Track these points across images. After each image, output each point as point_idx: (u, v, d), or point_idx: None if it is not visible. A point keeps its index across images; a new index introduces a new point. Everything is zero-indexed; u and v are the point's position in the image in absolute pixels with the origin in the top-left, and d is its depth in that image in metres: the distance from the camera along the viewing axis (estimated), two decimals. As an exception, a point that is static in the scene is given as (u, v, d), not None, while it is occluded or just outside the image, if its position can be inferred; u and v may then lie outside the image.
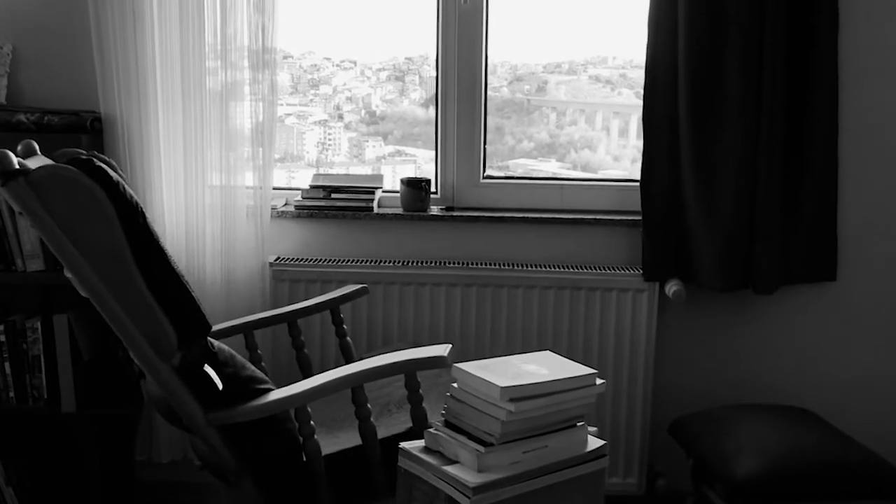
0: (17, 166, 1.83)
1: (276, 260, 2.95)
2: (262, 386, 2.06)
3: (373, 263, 2.93)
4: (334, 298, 2.67)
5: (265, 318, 2.61)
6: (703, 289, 2.89)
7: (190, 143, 2.81)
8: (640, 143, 2.88)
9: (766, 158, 2.77)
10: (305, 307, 2.64)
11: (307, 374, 2.55)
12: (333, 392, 2.04)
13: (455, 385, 1.87)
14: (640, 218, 2.90)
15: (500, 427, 1.77)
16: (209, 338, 2.04)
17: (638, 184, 2.89)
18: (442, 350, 2.06)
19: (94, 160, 1.93)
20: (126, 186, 1.95)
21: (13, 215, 2.72)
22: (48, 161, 1.97)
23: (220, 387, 1.99)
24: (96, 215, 1.88)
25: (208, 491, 3.05)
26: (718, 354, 3.04)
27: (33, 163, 1.90)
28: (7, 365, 2.78)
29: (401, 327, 2.92)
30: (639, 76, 2.87)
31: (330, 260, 2.96)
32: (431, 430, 1.89)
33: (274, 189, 2.93)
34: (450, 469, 1.79)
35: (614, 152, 3.27)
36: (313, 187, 3.01)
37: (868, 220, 2.95)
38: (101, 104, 2.78)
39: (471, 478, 1.75)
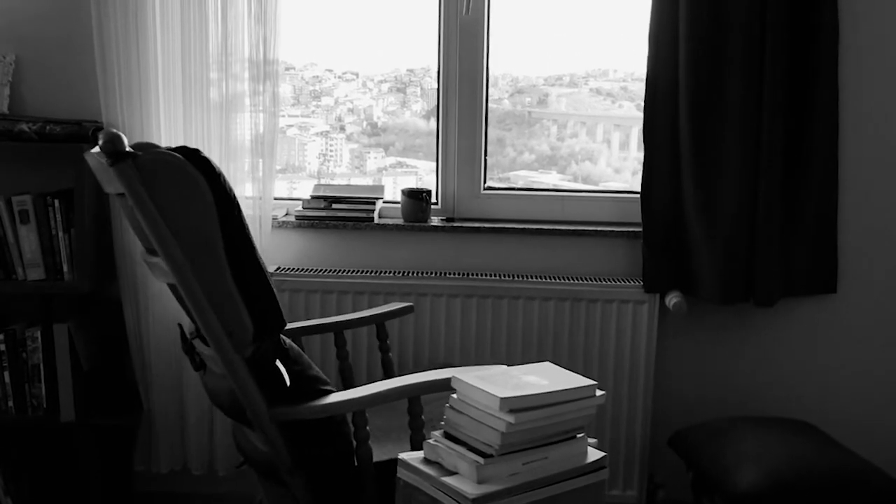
0: (129, 149, 1.88)
1: (276, 270, 2.95)
2: (326, 387, 2.09)
3: (373, 274, 2.94)
4: (382, 314, 2.70)
5: (313, 325, 2.65)
6: (704, 301, 2.89)
7: (191, 154, 2.81)
8: (641, 156, 2.89)
9: (766, 171, 2.77)
10: (353, 319, 2.68)
11: (348, 384, 2.58)
12: (394, 399, 2.08)
13: (454, 396, 1.87)
14: (640, 230, 2.90)
15: (500, 438, 1.77)
16: (281, 335, 2.07)
17: (638, 195, 2.89)
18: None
19: (200, 151, 1.98)
20: (227, 179, 1.99)
21: (14, 224, 2.72)
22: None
23: (288, 383, 2.01)
24: (196, 203, 1.92)
25: (207, 502, 3.05)
26: (719, 366, 3.03)
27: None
28: (6, 374, 2.78)
29: (401, 338, 2.92)
30: (639, 89, 2.88)
31: (330, 270, 2.96)
32: (430, 440, 1.88)
33: (275, 199, 2.94)
34: (449, 480, 1.79)
35: (615, 164, 3.28)
36: (314, 198, 3.02)
37: (868, 232, 2.95)
38: (103, 114, 2.79)
39: (470, 489, 1.75)
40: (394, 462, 2.07)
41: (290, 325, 2.59)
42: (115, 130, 1.89)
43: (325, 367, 2.83)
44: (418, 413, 2.11)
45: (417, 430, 2.11)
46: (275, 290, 2.04)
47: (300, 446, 2.05)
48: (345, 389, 2.19)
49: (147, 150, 1.95)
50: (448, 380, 2.03)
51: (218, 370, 2.08)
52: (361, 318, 2.69)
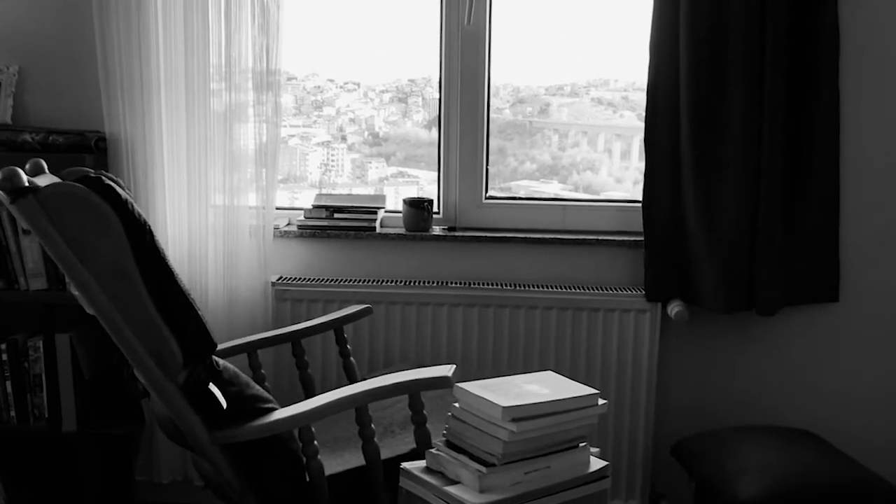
0: (27, 184, 1.84)
1: (278, 279, 2.95)
2: (266, 405, 2.06)
3: (375, 283, 2.94)
4: (338, 318, 2.67)
5: (269, 337, 2.61)
6: (706, 310, 2.89)
7: (193, 164, 2.82)
8: (643, 166, 2.89)
9: (767, 180, 2.77)
10: (309, 327, 2.64)
11: (310, 394, 2.55)
12: (337, 412, 2.04)
13: (457, 405, 1.87)
14: (642, 239, 2.91)
15: (502, 447, 1.77)
16: (213, 356, 2.04)
17: (640, 204, 2.89)
18: (446, 370, 2.05)
19: (104, 178, 1.94)
20: (134, 204, 1.95)
21: (16, 234, 2.73)
22: (56, 179, 1.99)
23: (224, 405, 1.98)
24: (105, 233, 1.89)
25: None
26: (721, 375, 3.03)
27: (41, 181, 1.91)
28: (8, 384, 2.78)
29: (402, 347, 2.92)
30: (641, 98, 2.89)
31: (332, 279, 2.97)
32: (433, 450, 1.88)
33: (277, 209, 2.94)
34: (451, 489, 1.79)
35: (616, 174, 3.28)
36: (316, 207, 3.02)
37: (870, 240, 2.95)
38: (105, 124, 2.80)
39: (472, 498, 1.75)
40: (348, 473, 2.05)
41: (245, 339, 2.58)
42: (12, 167, 1.84)
43: (294, 378, 2.80)
44: (367, 422, 2.06)
45: (368, 439, 2.06)
46: (199, 312, 2.00)
47: (246, 467, 2.02)
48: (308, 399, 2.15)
49: (53, 183, 1.90)
50: (393, 385, 2.02)
51: (155, 398, 2.06)
52: (317, 325, 2.65)
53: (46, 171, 2.09)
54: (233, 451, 2.00)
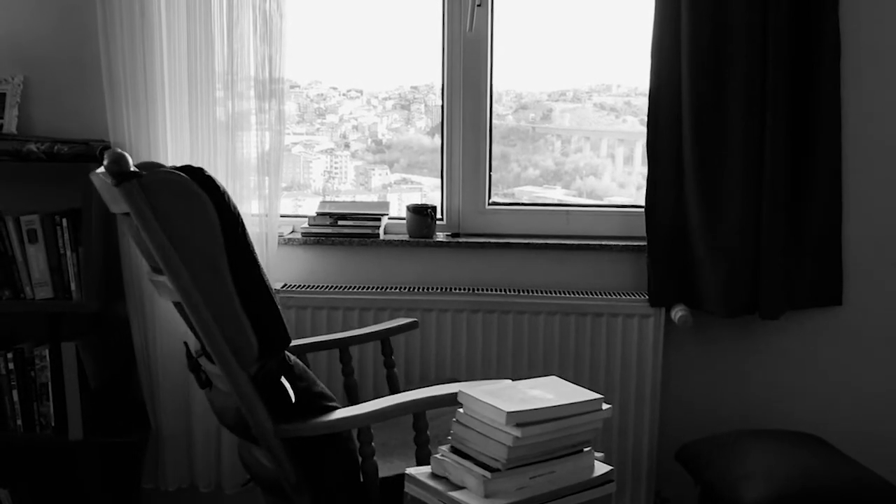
0: (134, 169, 1.89)
1: (283, 287, 2.96)
2: (331, 403, 2.10)
3: (379, 290, 2.95)
4: (386, 329, 2.71)
5: (318, 342, 2.66)
6: (709, 314, 2.89)
7: (197, 172, 2.83)
8: (645, 170, 2.89)
9: (770, 184, 2.78)
10: (358, 335, 2.69)
11: (354, 401, 2.59)
12: (398, 415, 2.09)
13: (461, 410, 1.87)
14: (645, 244, 2.91)
15: (507, 452, 1.77)
16: (286, 351, 2.08)
17: (643, 209, 2.90)
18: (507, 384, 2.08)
19: (204, 170, 1.99)
20: (230, 197, 2.00)
21: (22, 243, 2.74)
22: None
23: (294, 399, 2.02)
24: (201, 222, 1.94)
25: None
26: (725, 380, 3.03)
27: None
28: (15, 393, 2.79)
29: (407, 354, 2.92)
30: (643, 103, 2.89)
31: (336, 286, 2.97)
32: (438, 455, 1.89)
33: (281, 217, 2.95)
34: (456, 495, 1.79)
35: (620, 179, 3.29)
36: (320, 214, 3.03)
37: (873, 243, 2.95)
38: (110, 134, 2.81)
39: (477, 503, 1.75)
40: (400, 477, 2.08)
41: (295, 342, 2.58)
42: (119, 150, 1.91)
43: (332, 383, 2.84)
44: (423, 428, 2.11)
45: (423, 445, 2.11)
46: (279, 307, 2.05)
47: (305, 463, 2.06)
48: (350, 405, 2.19)
49: (151, 170, 1.96)
50: (452, 395, 2.04)
51: (223, 388, 2.09)
52: (366, 334, 2.70)
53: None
54: (294, 445, 2.04)
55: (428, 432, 2.12)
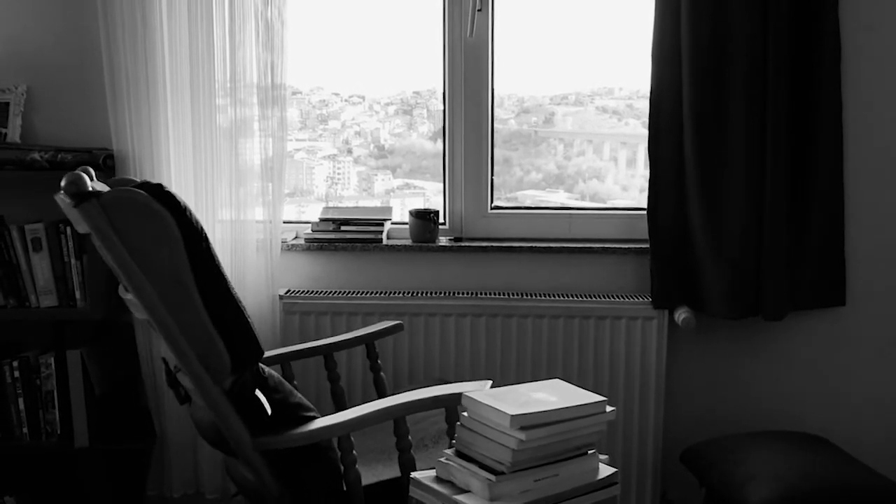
0: (91, 188, 1.89)
1: (286, 293, 2.97)
2: (309, 413, 2.09)
3: (382, 295, 2.95)
4: (370, 333, 2.70)
5: (302, 349, 2.65)
6: (712, 316, 2.89)
7: (200, 180, 2.84)
8: (648, 173, 2.90)
9: (771, 185, 2.78)
10: (342, 341, 2.68)
11: (341, 407, 2.58)
12: (377, 422, 2.07)
13: (465, 414, 1.87)
14: (648, 246, 2.91)
15: (511, 455, 1.77)
16: (259, 363, 2.07)
17: (645, 212, 2.90)
18: (484, 385, 2.07)
19: (163, 186, 1.99)
20: (192, 212, 2.00)
21: (27, 251, 2.75)
22: (106, 187, 2.03)
23: (270, 412, 2.01)
24: (164, 238, 1.93)
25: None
26: (729, 381, 3.03)
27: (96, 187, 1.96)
28: (21, 401, 2.79)
29: (410, 358, 2.92)
30: (645, 106, 2.90)
31: (340, 292, 2.98)
32: (442, 459, 1.89)
33: (284, 223, 2.96)
34: (461, 498, 1.79)
35: (622, 182, 3.29)
36: (323, 220, 3.04)
37: (876, 243, 2.95)
38: (113, 142, 2.82)
39: (482, 507, 1.76)
40: (385, 483, 2.08)
41: (278, 351, 2.61)
42: (77, 172, 1.90)
43: (321, 391, 2.83)
44: (404, 433, 2.09)
45: (405, 450, 2.09)
46: (249, 320, 2.03)
47: (286, 474, 2.05)
48: (338, 412, 2.19)
49: (111, 189, 1.95)
50: (431, 398, 2.05)
51: (200, 402, 2.08)
52: (350, 339, 2.69)
53: (94, 178, 2.13)
54: (274, 457, 2.03)
55: (409, 437, 2.10)
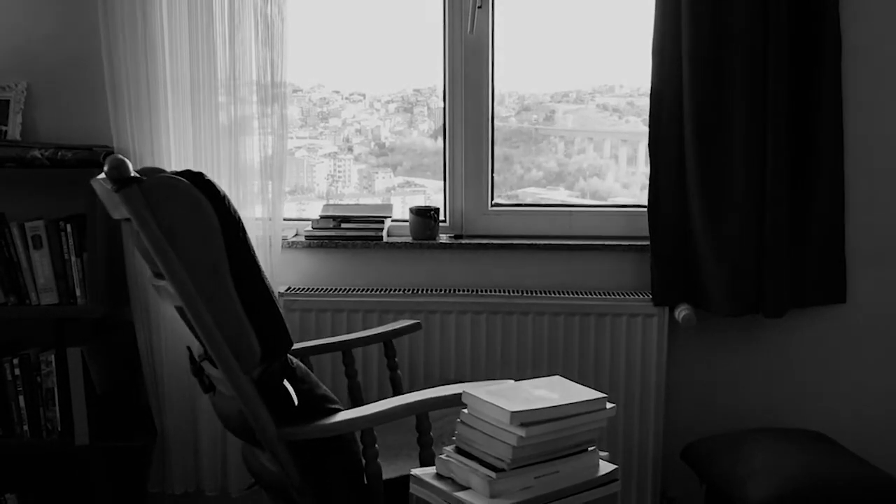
0: (134, 174, 1.90)
1: (287, 290, 2.97)
2: (333, 406, 2.10)
3: (383, 292, 2.95)
4: (389, 331, 2.71)
5: (321, 345, 2.67)
6: (713, 313, 2.89)
7: (201, 177, 2.84)
8: (648, 170, 2.90)
9: (772, 181, 2.78)
10: (361, 337, 2.69)
11: (357, 403, 2.59)
12: (401, 417, 2.09)
13: (465, 411, 1.87)
14: (648, 243, 2.91)
15: (511, 452, 1.77)
16: (288, 354, 2.08)
17: (646, 209, 2.90)
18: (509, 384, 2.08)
19: (204, 174, 2.00)
20: (230, 201, 2.00)
21: (27, 249, 2.75)
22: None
23: (296, 402, 2.02)
24: (201, 226, 1.94)
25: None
26: (730, 378, 3.03)
27: None
28: (21, 398, 2.80)
29: (411, 355, 2.92)
30: (646, 104, 2.89)
31: (340, 289, 2.98)
32: (442, 456, 1.89)
33: (284, 220, 2.96)
34: (461, 495, 1.79)
35: (623, 180, 3.29)
36: (323, 217, 3.04)
37: (876, 240, 2.95)
38: (113, 139, 2.83)
39: (483, 503, 1.76)
40: (404, 479, 2.08)
41: (297, 345, 2.61)
42: (120, 156, 1.92)
43: (336, 385, 2.84)
44: (426, 429, 2.12)
45: (426, 446, 2.12)
46: (281, 310, 2.06)
47: (309, 465, 2.06)
48: (353, 408, 2.20)
49: (152, 175, 1.97)
50: (454, 395, 2.05)
51: (227, 392, 2.09)
52: (369, 336, 2.70)
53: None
54: (297, 447, 2.04)
55: (431, 433, 2.13)
